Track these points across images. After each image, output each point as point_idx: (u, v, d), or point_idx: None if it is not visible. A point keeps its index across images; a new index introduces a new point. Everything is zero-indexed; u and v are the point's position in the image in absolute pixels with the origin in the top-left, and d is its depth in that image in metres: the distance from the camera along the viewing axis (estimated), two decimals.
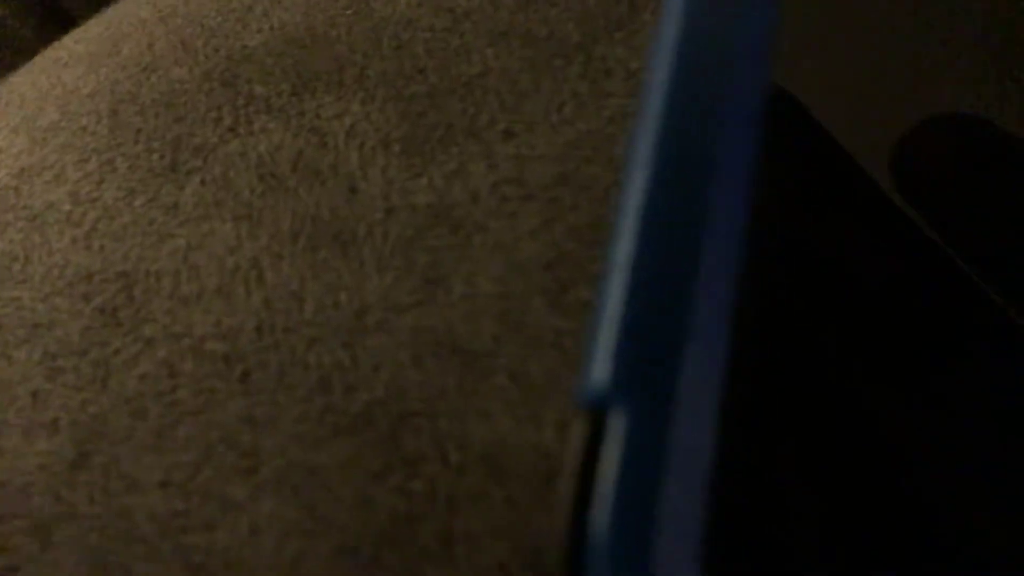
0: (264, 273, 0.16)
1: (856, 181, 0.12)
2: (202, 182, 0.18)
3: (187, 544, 0.14)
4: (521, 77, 0.17)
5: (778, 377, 0.10)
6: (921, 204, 0.11)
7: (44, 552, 0.15)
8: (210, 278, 0.17)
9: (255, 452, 0.14)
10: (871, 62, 0.12)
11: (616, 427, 0.09)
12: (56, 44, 0.25)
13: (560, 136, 0.16)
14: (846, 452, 0.09)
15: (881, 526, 0.09)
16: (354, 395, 0.15)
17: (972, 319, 0.10)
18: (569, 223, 0.15)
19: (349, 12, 0.20)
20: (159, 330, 0.16)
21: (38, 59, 0.24)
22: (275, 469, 0.14)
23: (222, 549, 0.14)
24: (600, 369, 0.10)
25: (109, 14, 0.25)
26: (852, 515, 0.09)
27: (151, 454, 0.15)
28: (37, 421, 0.16)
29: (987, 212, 0.11)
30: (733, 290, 0.10)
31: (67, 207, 0.19)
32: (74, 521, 0.15)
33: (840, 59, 0.12)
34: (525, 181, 0.16)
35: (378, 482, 0.14)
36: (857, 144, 0.11)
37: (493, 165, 0.17)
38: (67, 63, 0.23)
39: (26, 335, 0.17)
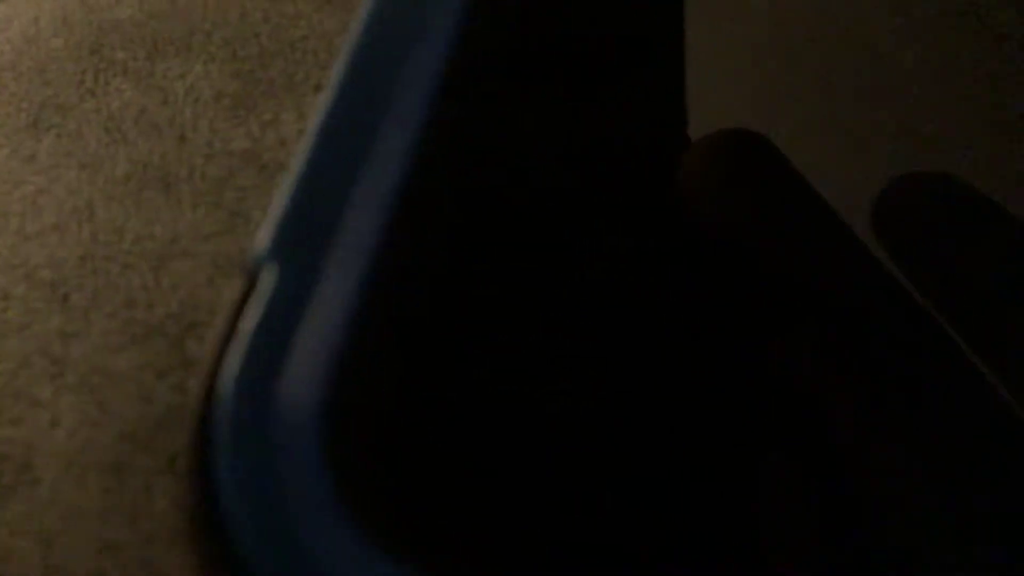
0: (96, 211, 0.19)
1: (829, 225, 0.12)
2: (58, 136, 0.20)
3: None
4: (336, 38, 0.20)
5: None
6: (898, 256, 0.12)
7: None
8: (50, 217, 0.19)
9: (64, 360, 0.17)
10: (853, 116, 0.13)
11: (264, 283, 0.11)
12: None
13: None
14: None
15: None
16: (153, 310, 0.17)
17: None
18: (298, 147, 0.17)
19: None
20: (2, 262, 0.19)
21: None
22: (79, 373, 0.16)
23: (24, 438, 0.16)
24: (261, 238, 0.12)
25: None
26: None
27: None
28: None
29: (957, 267, 0.11)
30: (388, 209, 0.12)
31: None
32: None
33: (823, 113, 0.13)
34: None
35: (161, 379, 0.16)
36: (837, 195, 0.12)
37: (302, 115, 0.19)
38: None
39: None
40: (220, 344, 0.11)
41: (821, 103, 0.12)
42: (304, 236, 0.12)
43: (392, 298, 0.12)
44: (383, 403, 0.11)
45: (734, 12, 0.13)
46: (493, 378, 0.11)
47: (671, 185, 0.12)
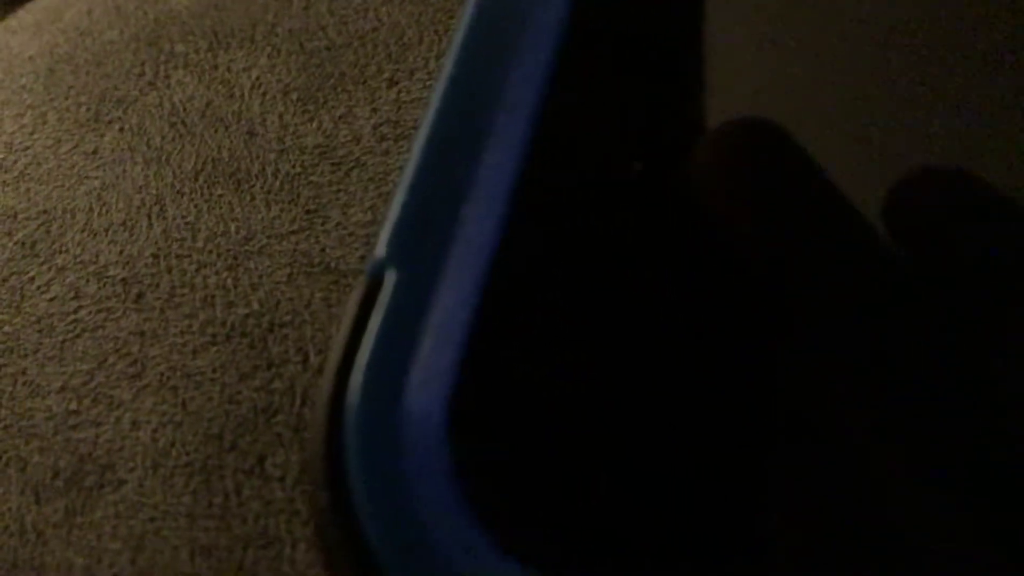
0: (166, 208, 0.19)
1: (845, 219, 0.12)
2: (120, 130, 0.21)
3: (77, 438, 0.16)
4: (407, 31, 0.20)
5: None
6: (912, 249, 0.12)
7: None
8: (118, 213, 0.19)
9: (142, 360, 0.17)
10: (870, 104, 0.13)
11: (386, 289, 0.12)
12: (10, 16, 0.27)
13: (436, 81, 0.19)
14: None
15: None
16: (232, 310, 0.17)
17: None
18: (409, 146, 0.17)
19: None
20: (70, 259, 0.19)
21: None
22: (158, 373, 0.16)
23: (106, 441, 0.16)
24: (380, 245, 0.12)
25: None
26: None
27: (54, 364, 0.17)
28: None
29: (971, 261, 0.11)
30: (504, 204, 0.12)
31: (1, 155, 0.21)
32: None
33: (840, 101, 0.13)
34: (401, 122, 0.18)
35: (244, 381, 0.16)
36: (850, 186, 0.12)
37: (376, 109, 0.19)
38: (16, 31, 0.26)
39: None
40: (344, 351, 0.11)
41: (840, 89, 0.13)
42: (421, 241, 0.12)
43: (509, 298, 0.12)
44: (505, 403, 0.11)
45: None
46: (595, 375, 0.11)
47: (684, 177, 0.13)
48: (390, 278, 0.12)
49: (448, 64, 0.13)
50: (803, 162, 0.12)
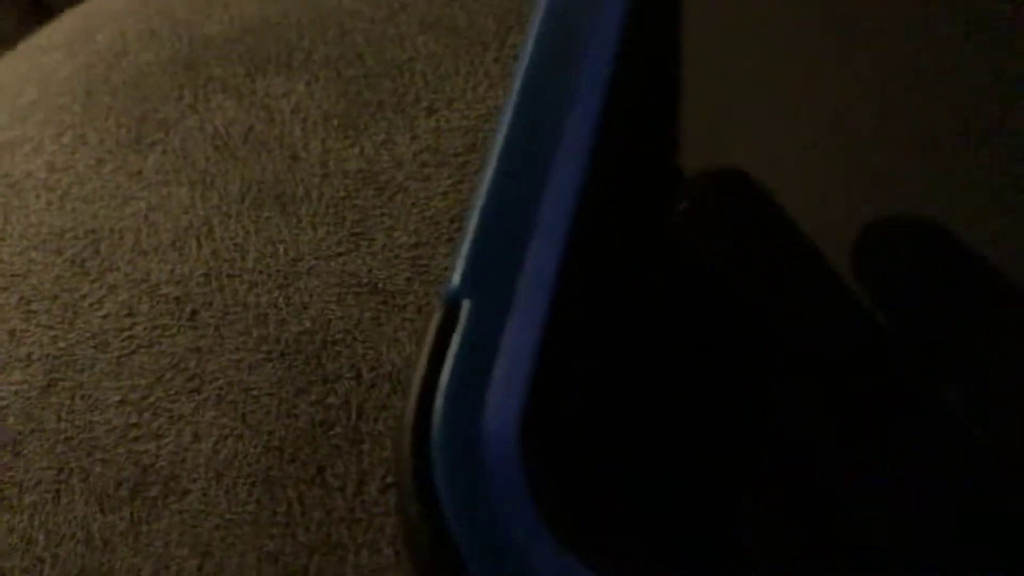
0: (214, 229, 0.20)
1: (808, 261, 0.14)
2: (163, 152, 0.22)
3: (139, 450, 0.17)
4: (444, 61, 0.21)
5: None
6: (876, 296, 0.13)
7: (16, 460, 0.18)
8: (167, 233, 0.20)
9: (200, 375, 0.18)
10: (838, 147, 0.14)
11: (462, 317, 0.13)
12: (36, 34, 0.29)
13: (473, 111, 0.20)
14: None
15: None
16: (285, 327, 0.18)
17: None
18: (472, 184, 0.19)
19: (299, 4, 0.23)
20: (121, 277, 0.20)
21: (19, 47, 0.28)
22: (216, 388, 0.18)
23: (169, 452, 0.17)
24: (456, 272, 0.13)
25: (85, 7, 0.28)
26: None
27: (111, 379, 0.18)
28: (13, 355, 0.19)
29: (933, 313, 0.13)
30: (566, 230, 0.14)
31: (43, 175, 0.22)
32: (43, 435, 0.18)
33: (807, 143, 0.14)
34: (441, 149, 0.20)
35: (301, 396, 0.17)
36: (818, 230, 0.13)
37: (416, 136, 0.20)
38: (46, 50, 0.27)
39: (5, 284, 0.21)
40: (425, 374, 0.13)
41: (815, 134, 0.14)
42: (492, 272, 0.13)
43: (570, 325, 0.14)
44: (569, 420, 0.13)
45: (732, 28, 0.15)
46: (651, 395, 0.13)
47: (665, 223, 0.14)
48: (465, 306, 0.13)
49: (510, 105, 0.14)
50: (771, 211, 0.14)
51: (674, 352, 0.14)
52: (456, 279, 0.13)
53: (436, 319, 0.13)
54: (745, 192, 0.15)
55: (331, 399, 0.17)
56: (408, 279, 0.18)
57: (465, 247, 0.13)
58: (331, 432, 0.17)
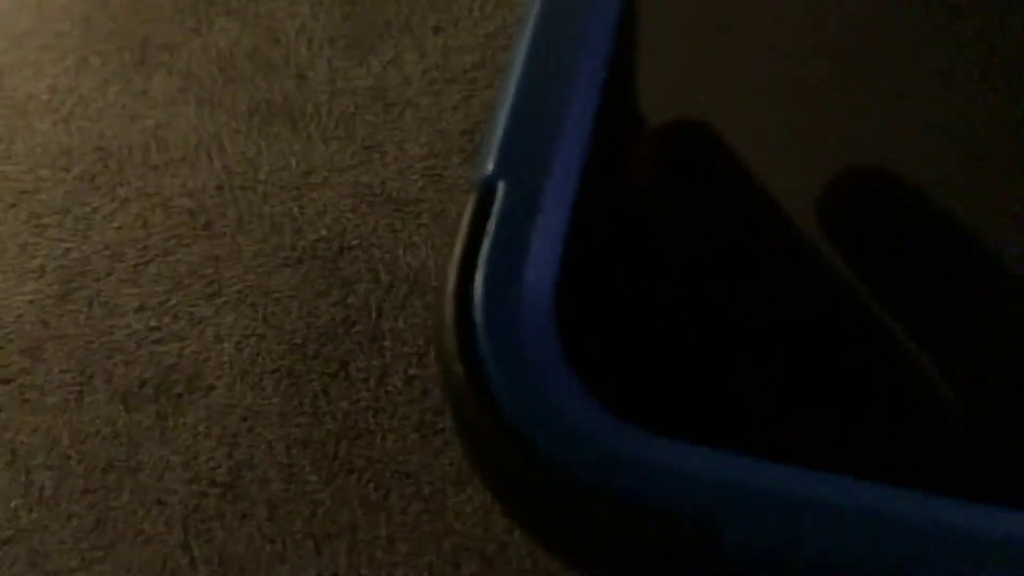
0: (224, 144, 0.21)
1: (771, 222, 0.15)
2: (169, 73, 0.22)
3: (161, 351, 0.18)
4: None
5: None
6: (844, 251, 0.14)
7: (36, 364, 0.18)
8: (176, 149, 0.21)
9: (218, 281, 0.19)
10: (803, 105, 0.15)
11: (498, 199, 0.14)
12: None
13: (480, 30, 0.21)
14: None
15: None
16: (301, 235, 0.19)
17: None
18: (483, 99, 0.20)
19: None
20: (132, 192, 0.20)
21: None
22: (235, 292, 0.18)
23: (191, 353, 0.18)
24: (488, 157, 0.14)
25: None
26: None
27: (128, 286, 0.19)
28: (26, 267, 0.20)
29: (902, 263, 0.14)
30: (592, 120, 0.14)
31: (46, 97, 0.23)
32: (62, 340, 0.19)
33: (771, 101, 0.15)
34: (450, 67, 0.20)
35: (321, 297, 0.18)
36: (783, 187, 0.14)
37: (424, 54, 0.21)
38: None
39: (13, 200, 0.21)
40: (465, 248, 0.14)
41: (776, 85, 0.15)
42: (525, 157, 0.14)
43: (597, 204, 0.15)
44: (605, 289, 0.14)
45: None
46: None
47: (623, 176, 0.15)
48: (501, 188, 0.14)
49: (533, 11, 0.15)
50: (732, 163, 0.15)
51: (687, 233, 0.14)
52: (491, 165, 0.14)
53: (473, 201, 0.14)
54: (703, 144, 0.16)
55: (351, 299, 0.18)
56: (422, 188, 0.19)
57: (498, 135, 0.14)
58: (352, 330, 0.17)
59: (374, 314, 0.17)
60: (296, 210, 0.19)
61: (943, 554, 0.11)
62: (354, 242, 0.18)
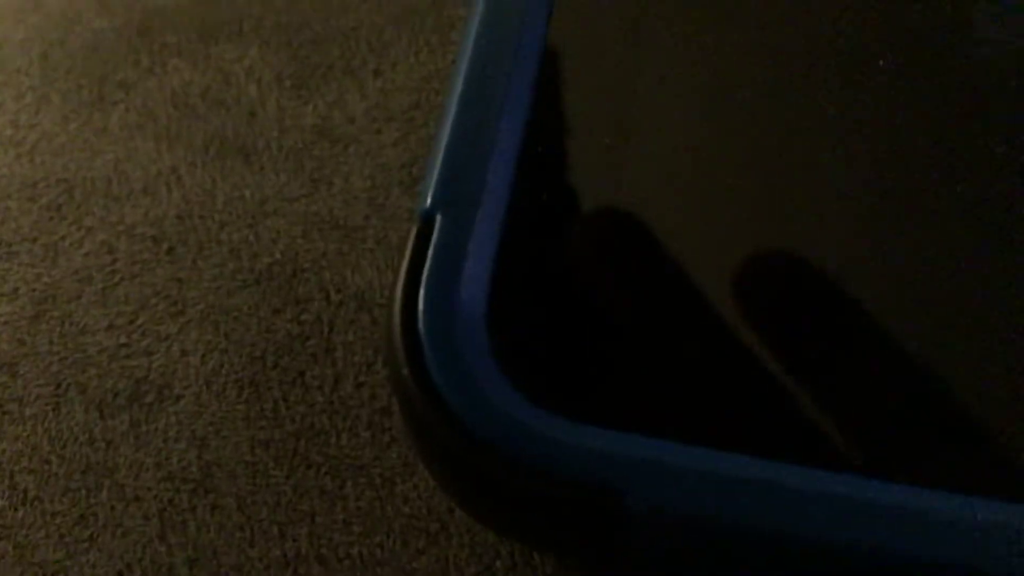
0: (182, 177, 0.23)
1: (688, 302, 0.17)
2: (126, 110, 0.24)
3: (131, 365, 0.20)
4: (387, 29, 0.24)
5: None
6: (760, 331, 0.16)
7: (13, 379, 0.21)
8: (137, 182, 0.23)
9: (182, 301, 0.21)
10: (719, 189, 0.17)
11: (437, 228, 0.16)
12: None
13: (416, 73, 0.23)
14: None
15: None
16: (258, 259, 0.21)
17: None
18: (420, 136, 0.22)
19: None
20: (97, 221, 0.23)
21: None
22: (198, 311, 0.21)
23: (160, 366, 0.20)
24: (427, 192, 0.17)
25: None
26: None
27: (97, 307, 0.21)
28: (0, 291, 0.22)
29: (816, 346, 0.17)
30: (516, 157, 0.17)
31: (9, 132, 0.25)
32: (36, 357, 0.21)
33: (693, 185, 0.17)
34: (389, 106, 0.23)
35: (277, 315, 0.20)
36: (698, 267, 0.16)
37: (365, 95, 0.23)
38: None
39: None
40: (409, 270, 0.17)
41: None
42: (459, 192, 0.17)
43: (525, 230, 0.18)
44: (527, 302, 0.17)
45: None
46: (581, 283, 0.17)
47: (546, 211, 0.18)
48: (438, 220, 0.17)
49: (466, 50, 0.18)
50: (657, 253, 0.17)
51: (604, 252, 0.18)
52: (429, 199, 0.17)
53: (414, 231, 0.17)
54: (629, 234, 0.19)
55: (305, 316, 0.20)
56: (366, 216, 0.22)
57: (435, 174, 0.17)
58: (307, 343, 0.20)
59: (326, 329, 0.20)
60: (252, 236, 0.22)
61: (830, 519, 0.14)
62: (306, 265, 0.21)
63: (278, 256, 0.21)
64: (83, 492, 0.19)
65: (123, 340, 0.21)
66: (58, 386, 0.20)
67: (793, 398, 0.15)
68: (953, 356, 0.15)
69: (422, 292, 0.16)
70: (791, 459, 0.14)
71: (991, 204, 0.16)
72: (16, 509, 0.19)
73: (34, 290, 0.22)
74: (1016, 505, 0.14)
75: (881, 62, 0.18)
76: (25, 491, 0.19)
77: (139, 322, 0.21)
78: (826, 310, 0.16)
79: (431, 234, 0.17)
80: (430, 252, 0.16)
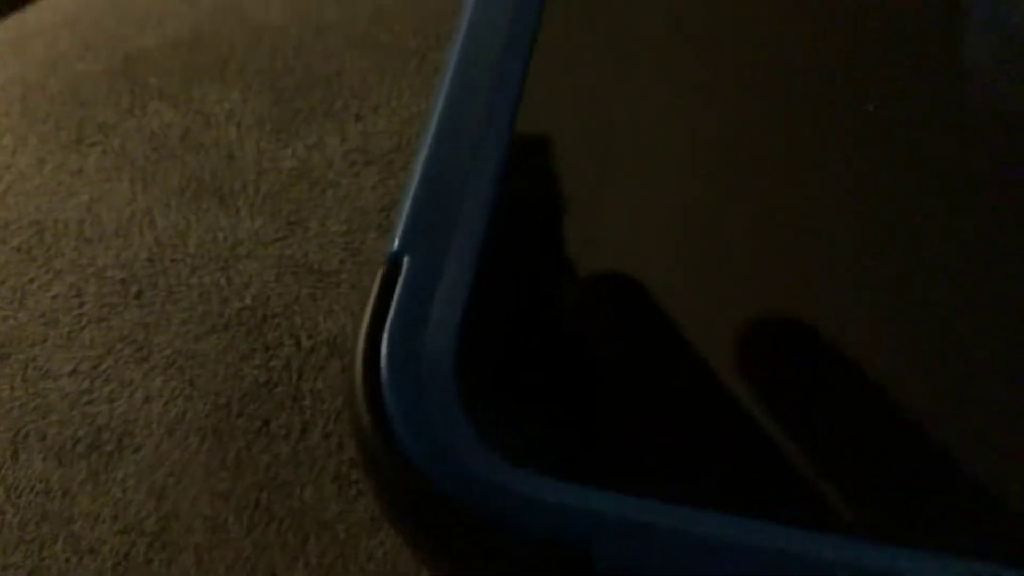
0: (155, 219, 0.22)
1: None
2: (103, 152, 0.24)
3: (93, 412, 0.20)
4: (369, 74, 0.24)
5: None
6: (736, 385, 0.16)
7: None
8: (110, 223, 0.23)
9: (148, 346, 0.20)
10: (719, 249, 0.16)
11: (403, 271, 0.16)
12: None
13: (397, 117, 0.23)
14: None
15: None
16: (228, 304, 0.21)
17: None
18: (399, 179, 0.22)
19: (230, 22, 0.26)
20: (67, 263, 0.22)
21: None
22: (164, 357, 0.20)
23: (121, 413, 0.19)
24: (396, 236, 0.16)
25: (12, 20, 0.31)
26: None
27: (62, 352, 0.21)
28: None
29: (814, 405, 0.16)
30: (489, 198, 0.17)
31: None
32: None
33: (689, 246, 0.16)
34: (369, 150, 0.23)
35: (245, 361, 0.20)
36: (676, 317, 0.16)
37: (345, 139, 0.23)
38: None
39: None
40: (373, 315, 0.16)
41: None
42: (427, 235, 0.17)
43: (494, 276, 0.17)
44: (497, 350, 0.16)
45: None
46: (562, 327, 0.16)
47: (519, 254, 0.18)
48: (405, 263, 0.17)
49: (440, 95, 0.18)
50: (635, 300, 0.17)
51: (579, 299, 0.17)
52: (397, 242, 0.16)
53: (381, 273, 0.16)
54: (606, 281, 0.19)
55: (273, 363, 0.20)
56: (342, 261, 0.21)
57: (404, 215, 0.17)
58: (274, 391, 0.19)
59: (295, 376, 0.19)
60: (223, 280, 0.21)
61: None
62: (278, 309, 0.20)
63: (249, 301, 0.21)
64: (37, 543, 0.18)
65: (86, 386, 0.20)
66: (18, 432, 0.20)
67: (771, 455, 0.14)
68: (948, 417, 0.14)
69: (385, 337, 0.15)
70: (767, 518, 0.13)
71: (998, 259, 0.16)
72: None
73: None
74: (1015, 570, 0.13)
75: (871, 106, 0.17)
76: None
77: (103, 367, 0.20)
78: (805, 362, 0.15)
79: (398, 277, 0.16)
80: (395, 295, 0.16)
